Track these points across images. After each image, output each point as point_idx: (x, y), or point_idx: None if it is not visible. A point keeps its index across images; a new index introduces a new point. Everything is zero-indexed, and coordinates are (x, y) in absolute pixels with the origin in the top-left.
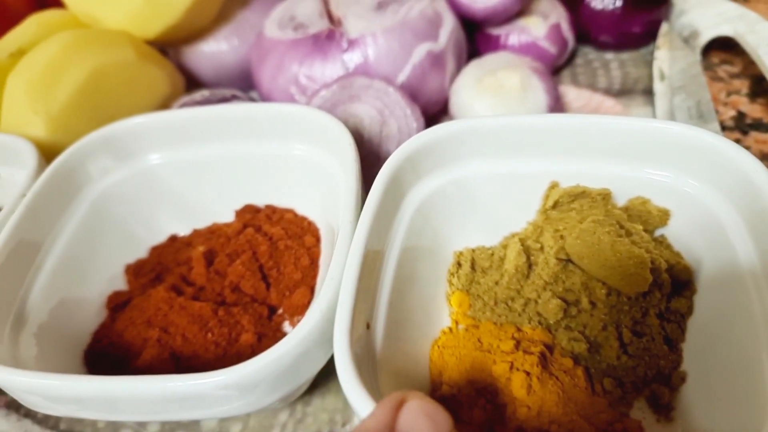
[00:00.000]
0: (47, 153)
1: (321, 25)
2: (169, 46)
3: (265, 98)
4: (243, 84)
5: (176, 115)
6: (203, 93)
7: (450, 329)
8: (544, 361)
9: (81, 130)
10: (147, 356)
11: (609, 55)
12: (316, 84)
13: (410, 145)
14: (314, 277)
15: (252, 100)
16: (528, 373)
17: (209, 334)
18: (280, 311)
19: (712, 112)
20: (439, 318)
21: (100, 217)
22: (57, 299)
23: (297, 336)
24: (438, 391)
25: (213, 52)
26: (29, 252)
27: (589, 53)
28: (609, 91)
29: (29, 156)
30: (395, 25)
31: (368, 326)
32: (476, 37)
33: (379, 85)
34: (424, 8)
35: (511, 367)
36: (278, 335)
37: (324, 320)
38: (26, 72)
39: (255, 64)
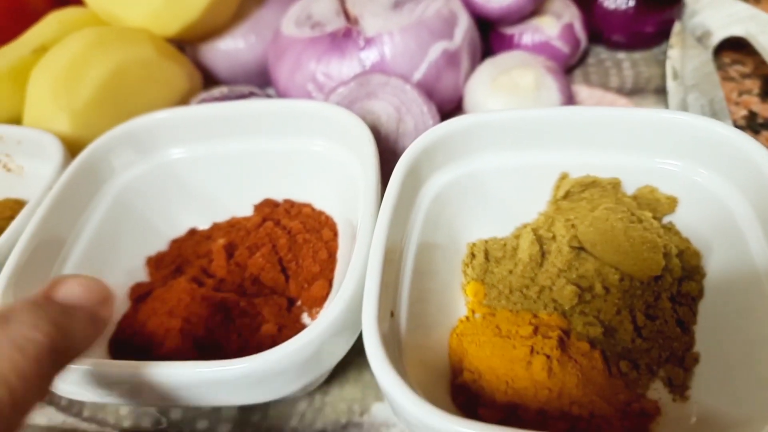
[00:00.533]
0: (71, 148)
1: (338, 23)
2: (186, 44)
3: (282, 95)
4: (259, 81)
5: (197, 110)
6: (221, 90)
7: (467, 318)
8: (562, 344)
9: (103, 125)
10: (170, 345)
11: (621, 55)
12: (333, 81)
13: (426, 138)
14: (332, 270)
15: (269, 97)
16: (548, 356)
17: (231, 325)
18: (299, 303)
19: (725, 110)
20: (456, 307)
21: (123, 211)
22: None
23: (321, 325)
24: (459, 378)
25: (230, 49)
26: (55, 245)
27: (601, 53)
28: (621, 91)
29: (55, 150)
30: (412, 24)
31: (392, 314)
32: (490, 36)
33: (396, 83)
34: (439, 7)
35: (532, 351)
36: (298, 326)
37: (347, 310)
38: (50, 68)
39: (272, 62)
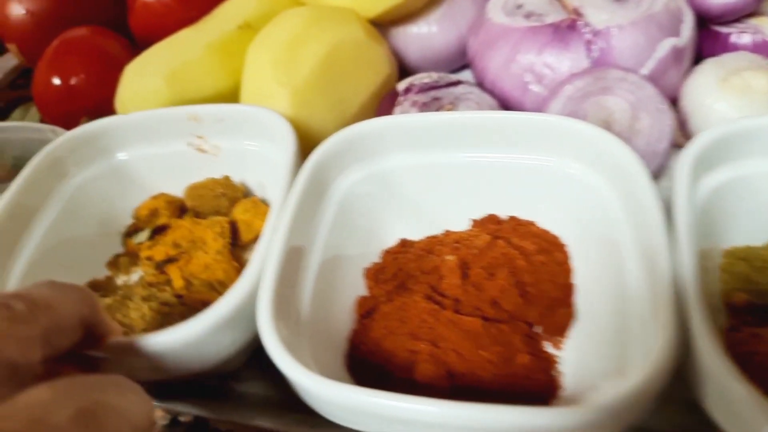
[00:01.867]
0: None
1: (556, 14)
2: (380, 26)
3: (489, 85)
4: (446, 67)
5: (417, 118)
6: (430, 75)
7: (734, 326)
8: None
9: (317, 104)
10: (425, 371)
11: None
12: (555, 73)
13: (707, 137)
14: (569, 294)
15: (476, 86)
16: None
17: (483, 352)
18: (538, 330)
19: None
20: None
21: (343, 219)
22: (320, 301)
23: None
24: None
25: (422, 34)
26: (299, 254)
27: None
28: None
29: (283, 132)
30: (641, 18)
31: None
32: (699, 34)
33: (634, 79)
34: (667, 2)
35: None
36: (544, 356)
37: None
38: (269, 45)
39: (478, 50)
